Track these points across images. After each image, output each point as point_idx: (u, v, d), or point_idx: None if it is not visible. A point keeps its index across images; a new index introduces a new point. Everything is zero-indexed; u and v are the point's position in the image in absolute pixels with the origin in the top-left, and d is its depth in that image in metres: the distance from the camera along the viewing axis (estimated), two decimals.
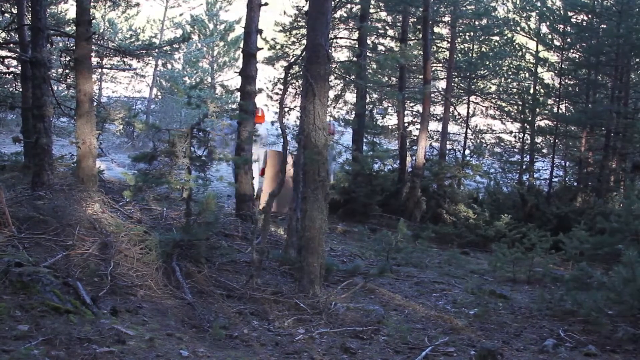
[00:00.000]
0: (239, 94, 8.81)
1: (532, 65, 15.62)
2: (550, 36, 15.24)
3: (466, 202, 12.17)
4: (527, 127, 15.54)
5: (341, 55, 16.70)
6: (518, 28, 15.65)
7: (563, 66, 14.80)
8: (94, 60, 9.99)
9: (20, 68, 9.82)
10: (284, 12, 15.43)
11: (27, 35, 8.39)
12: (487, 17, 15.05)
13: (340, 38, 14.85)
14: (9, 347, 3.08)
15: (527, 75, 16.05)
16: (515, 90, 16.63)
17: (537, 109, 15.07)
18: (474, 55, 16.31)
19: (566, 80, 15.29)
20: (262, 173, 11.13)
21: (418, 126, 14.38)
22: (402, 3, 13.01)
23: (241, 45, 10.68)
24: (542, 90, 15.35)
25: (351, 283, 6.19)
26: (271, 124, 11.11)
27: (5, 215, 5.43)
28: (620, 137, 13.18)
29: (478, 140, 16.79)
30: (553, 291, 6.50)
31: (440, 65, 17.08)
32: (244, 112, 8.34)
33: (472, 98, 16.69)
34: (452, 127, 17.60)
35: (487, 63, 16.05)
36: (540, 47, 15.28)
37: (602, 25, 13.34)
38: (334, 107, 15.45)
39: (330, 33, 6.96)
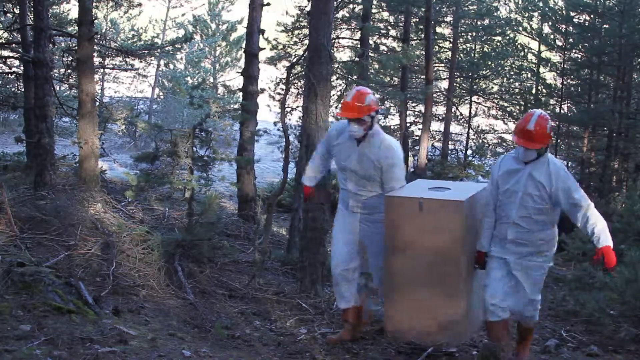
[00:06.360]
0: (241, 94, 8.83)
1: (534, 66, 15.62)
2: (552, 36, 15.24)
3: None
4: None
5: (343, 55, 16.73)
6: (520, 28, 15.66)
7: (565, 66, 14.79)
8: (96, 60, 9.99)
9: (22, 68, 9.82)
10: (286, 12, 15.46)
11: (29, 35, 8.39)
12: (489, 17, 15.07)
13: (343, 38, 14.86)
14: (11, 347, 3.08)
15: (529, 75, 16.06)
16: (517, 90, 16.64)
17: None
18: (476, 55, 16.31)
19: (568, 81, 15.28)
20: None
21: (420, 126, 14.42)
22: (404, 3, 13.02)
23: (243, 45, 10.68)
24: (544, 91, 15.35)
25: None
26: (273, 124, 11.10)
27: (7, 215, 5.43)
28: (623, 137, 13.16)
29: (480, 141, 16.78)
30: (555, 291, 6.49)
31: (443, 65, 17.10)
32: (246, 112, 8.35)
33: (474, 98, 16.69)
34: (454, 127, 17.61)
35: (489, 63, 16.07)
36: (543, 47, 15.29)
37: (605, 26, 13.33)
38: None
39: (332, 33, 6.96)
